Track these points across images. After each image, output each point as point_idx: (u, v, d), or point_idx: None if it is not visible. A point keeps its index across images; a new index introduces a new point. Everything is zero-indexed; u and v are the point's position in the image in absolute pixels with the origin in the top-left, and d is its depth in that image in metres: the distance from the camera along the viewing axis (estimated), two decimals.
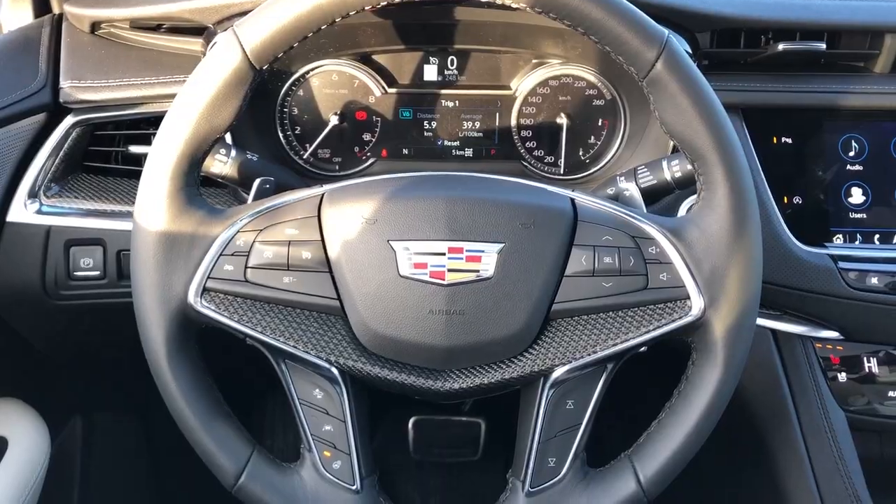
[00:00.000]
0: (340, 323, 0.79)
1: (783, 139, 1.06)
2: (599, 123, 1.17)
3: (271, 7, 0.76)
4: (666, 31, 0.77)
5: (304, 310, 0.79)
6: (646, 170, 0.94)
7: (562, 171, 1.19)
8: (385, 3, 0.77)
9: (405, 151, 1.19)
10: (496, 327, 0.78)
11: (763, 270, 0.97)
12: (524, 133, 1.18)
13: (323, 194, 0.81)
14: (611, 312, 0.80)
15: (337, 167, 1.19)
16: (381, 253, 0.77)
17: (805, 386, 1.05)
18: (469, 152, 1.19)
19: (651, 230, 0.79)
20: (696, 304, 0.78)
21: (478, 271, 0.77)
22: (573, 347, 0.79)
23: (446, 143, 1.19)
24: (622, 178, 0.95)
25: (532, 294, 0.78)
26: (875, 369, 1.05)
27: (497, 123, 1.18)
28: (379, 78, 1.15)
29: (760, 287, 0.79)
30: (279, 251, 0.78)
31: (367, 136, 1.18)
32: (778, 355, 1.05)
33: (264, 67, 0.78)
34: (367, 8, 0.77)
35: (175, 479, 1.43)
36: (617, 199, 0.92)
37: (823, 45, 1.04)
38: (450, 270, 0.77)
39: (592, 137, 1.18)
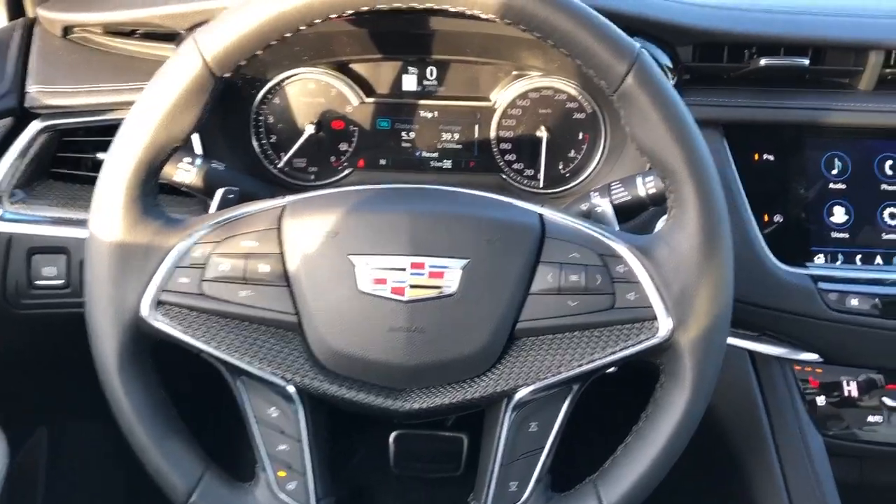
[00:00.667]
0: (298, 339, 0.77)
1: (765, 156, 1.04)
2: (580, 137, 1.15)
3: (233, 14, 0.74)
4: (637, 44, 0.75)
5: (260, 325, 0.77)
6: (620, 186, 0.92)
7: (541, 185, 1.16)
8: (350, 12, 0.75)
9: (382, 162, 1.17)
10: (458, 346, 0.76)
11: (741, 290, 0.94)
12: (503, 145, 1.16)
13: (285, 206, 0.79)
14: (576, 332, 0.77)
15: (313, 177, 1.17)
16: (340, 267, 0.75)
17: (782, 409, 1.02)
18: (448, 164, 1.17)
19: (619, 248, 0.77)
20: (664, 325, 0.76)
21: (440, 287, 0.75)
22: (537, 368, 0.77)
23: (424, 154, 1.17)
24: (596, 194, 0.93)
25: (496, 312, 0.76)
26: (854, 393, 1.02)
27: (476, 135, 1.16)
28: (356, 87, 1.13)
29: (731, 308, 0.77)
30: (237, 264, 0.76)
31: (343, 146, 1.16)
32: (755, 377, 1.02)
33: (226, 75, 0.76)
34: (332, 16, 0.75)
35: (147, 493, 1.40)
36: (589, 215, 0.90)
37: (807, 61, 1.02)
38: (411, 286, 0.75)
39: (573, 151, 1.16)
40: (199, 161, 0.94)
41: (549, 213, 0.80)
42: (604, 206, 0.89)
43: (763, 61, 1.02)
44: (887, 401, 1.02)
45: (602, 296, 0.76)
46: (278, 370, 0.76)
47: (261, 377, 0.76)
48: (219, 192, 0.89)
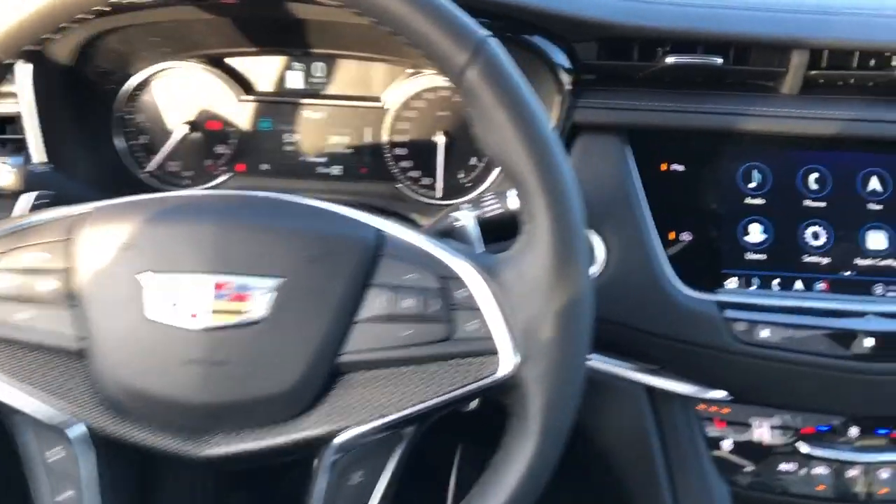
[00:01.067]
0: (85, 371, 0.66)
1: (674, 166, 0.92)
2: None
3: None
4: (484, 32, 0.64)
5: (42, 353, 0.66)
6: (493, 198, 0.81)
7: (439, 195, 1.06)
8: None
9: (264, 167, 1.06)
10: (268, 382, 0.65)
11: (638, 317, 0.84)
12: (398, 151, 1.05)
13: (86, 213, 0.68)
14: (409, 367, 0.66)
15: (189, 182, 1.06)
16: (128, 288, 0.64)
17: (683, 454, 0.90)
18: (337, 170, 1.07)
19: (462, 269, 0.66)
20: (508, 360, 0.64)
21: (246, 312, 0.64)
22: (362, 408, 0.66)
23: (311, 159, 1.06)
24: (468, 207, 0.82)
25: (314, 342, 0.65)
26: (766, 437, 0.90)
27: (368, 139, 1.05)
28: (234, 83, 1.03)
29: (588, 341, 0.65)
30: (17, 280, 0.66)
31: (220, 149, 1.05)
32: (653, 417, 0.90)
33: (8, 61, 0.66)
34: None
35: None
36: (452, 232, 0.79)
37: (720, 60, 0.91)
38: (212, 311, 0.64)
39: (473, 158, 1.05)
40: (16, 161, 0.83)
41: (390, 228, 0.69)
42: (464, 220, 0.78)
43: (670, 60, 0.90)
44: (802, 447, 0.90)
45: (438, 325, 0.65)
46: (58, 405, 0.65)
47: (37, 416, 0.65)
48: (24, 197, 0.78)
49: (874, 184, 0.93)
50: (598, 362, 0.88)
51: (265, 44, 1.01)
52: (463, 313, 0.66)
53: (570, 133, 0.91)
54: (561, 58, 0.91)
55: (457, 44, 0.63)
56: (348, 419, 0.66)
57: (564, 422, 0.65)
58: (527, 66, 0.91)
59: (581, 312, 0.65)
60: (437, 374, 0.66)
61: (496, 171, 1.04)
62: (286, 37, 1.00)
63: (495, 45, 0.64)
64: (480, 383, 0.65)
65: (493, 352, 0.65)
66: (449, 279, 0.66)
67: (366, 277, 0.66)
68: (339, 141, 1.06)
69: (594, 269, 0.88)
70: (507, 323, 0.65)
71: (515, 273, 0.65)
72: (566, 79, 0.90)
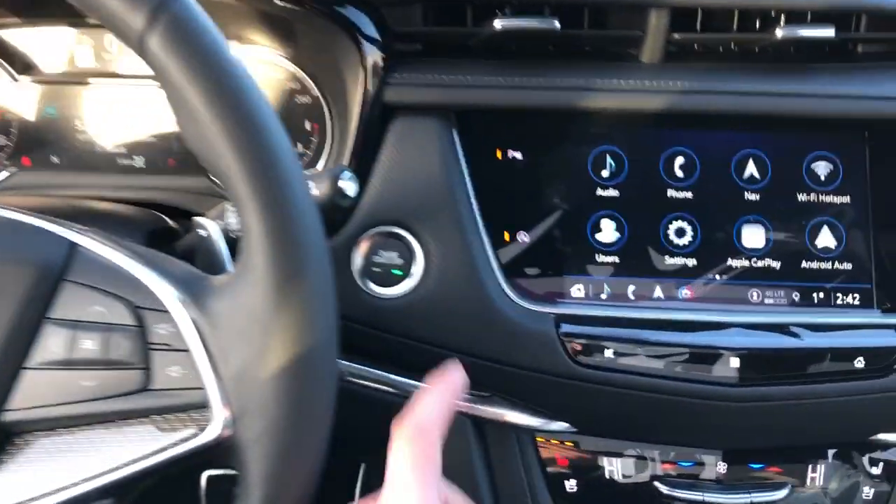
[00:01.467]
0: None
1: (511, 153, 0.78)
2: (307, 127, 0.89)
3: None
4: None
5: None
6: None
7: None
8: None
9: (54, 160, 0.91)
10: None
11: (461, 336, 0.69)
12: None
13: None
14: (98, 426, 0.51)
15: None
16: None
17: (518, 495, 0.76)
18: (140, 162, 0.91)
19: (166, 297, 0.51)
20: (219, 416, 0.50)
21: None
22: (37, 480, 0.51)
23: (108, 149, 0.91)
24: (232, 210, 0.67)
25: None
26: (617, 475, 0.76)
27: (174, 125, 0.90)
28: (7, 62, 0.87)
29: (331, 389, 0.51)
30: None
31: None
32: (481, 453, 0.76)
33: None
34: None
35: None
36: (198, 246, 0.64)
37: (556, 22, 0.76)
38: None
39: (299, 145, 0.90)
40: None
41: (88, 241, 0.54)
42: (211, 229, 0.63)
43: (498, 24, 0.75)
44: (660, 487, 0.76)
45: (130, 371, 0.51)
46: None
47: None
48: None
49: (751, 169, 0.78)
50: (415, 389, 0.74)
51: (37, 14, 0.85)
52: (164, 356, 0.51)
53: (385, 116, 0.76)
54: (367, 26, 0.75)
55: (131, 5, 0.48)
56: (19, 494, 0.51)
57: (295, 495, 0.51)
58: (335, 37, 0.77)
59: (311, 352, 0.50)
60: (132, 434, 0.51)
61: (323, 160, 0.89)
62: (64, 6, 0.84)
63: (182, 6, 0.49)
64: (186, 446, 0.51)
65: (203, 405, 0.50)
66: (147, 310, 0.51)
67: (42, 309, 0.51)
68: (140, 128, 0.90)
69: (411, 281, 0.74)
70: (216, 368, 0.50)
71: (230, 303, 0.51)
72: (371, 51, 0.75)
